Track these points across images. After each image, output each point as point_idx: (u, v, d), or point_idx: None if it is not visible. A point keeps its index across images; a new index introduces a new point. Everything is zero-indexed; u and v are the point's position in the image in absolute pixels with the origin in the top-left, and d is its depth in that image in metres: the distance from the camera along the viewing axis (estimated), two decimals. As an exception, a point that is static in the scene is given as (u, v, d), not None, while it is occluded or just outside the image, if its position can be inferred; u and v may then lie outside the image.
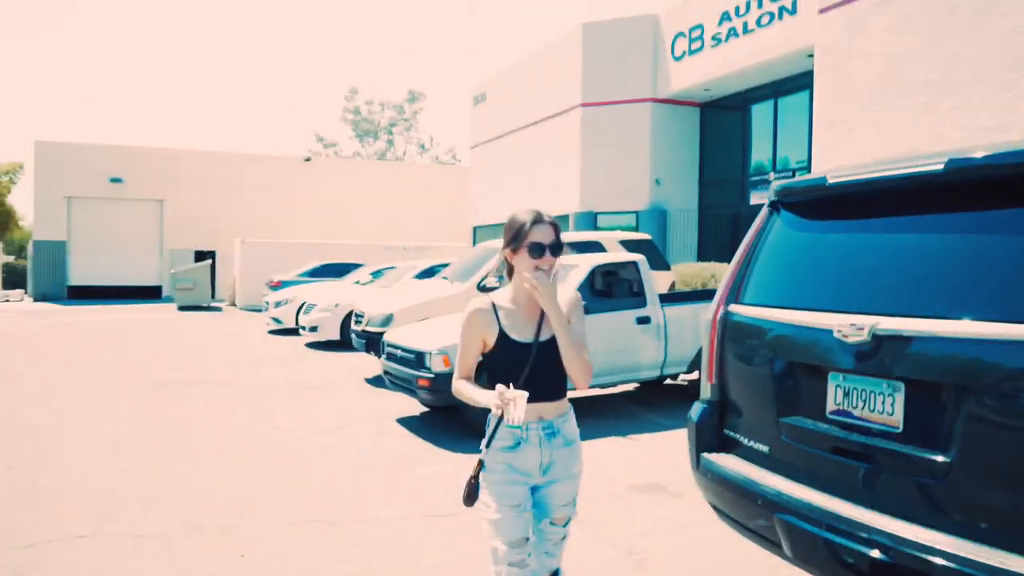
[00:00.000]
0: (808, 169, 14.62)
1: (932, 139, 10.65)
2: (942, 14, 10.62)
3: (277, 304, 17.08)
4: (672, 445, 6.59)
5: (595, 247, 10.74)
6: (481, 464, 2.54)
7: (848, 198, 2.87)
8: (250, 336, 16.65)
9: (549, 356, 2.51)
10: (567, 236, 10.54)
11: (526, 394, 2.29)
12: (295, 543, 4.37)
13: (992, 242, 2.32)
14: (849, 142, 12.09)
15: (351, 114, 55.55)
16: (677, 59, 18.36)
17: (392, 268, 16.54)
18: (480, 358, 2.64)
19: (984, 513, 2.14)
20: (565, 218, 19.72)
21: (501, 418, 2.42)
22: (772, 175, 17.01)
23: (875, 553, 2.25)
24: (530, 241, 2.47)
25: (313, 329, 14.12)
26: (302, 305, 15.43)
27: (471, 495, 2.53)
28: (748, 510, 2.85)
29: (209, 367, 11.57)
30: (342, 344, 13.79)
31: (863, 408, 2.50)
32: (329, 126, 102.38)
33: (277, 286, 20.06)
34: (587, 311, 2.53)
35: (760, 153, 18.02)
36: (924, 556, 2.13)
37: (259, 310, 22.93)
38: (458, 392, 2.60)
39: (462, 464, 6.06)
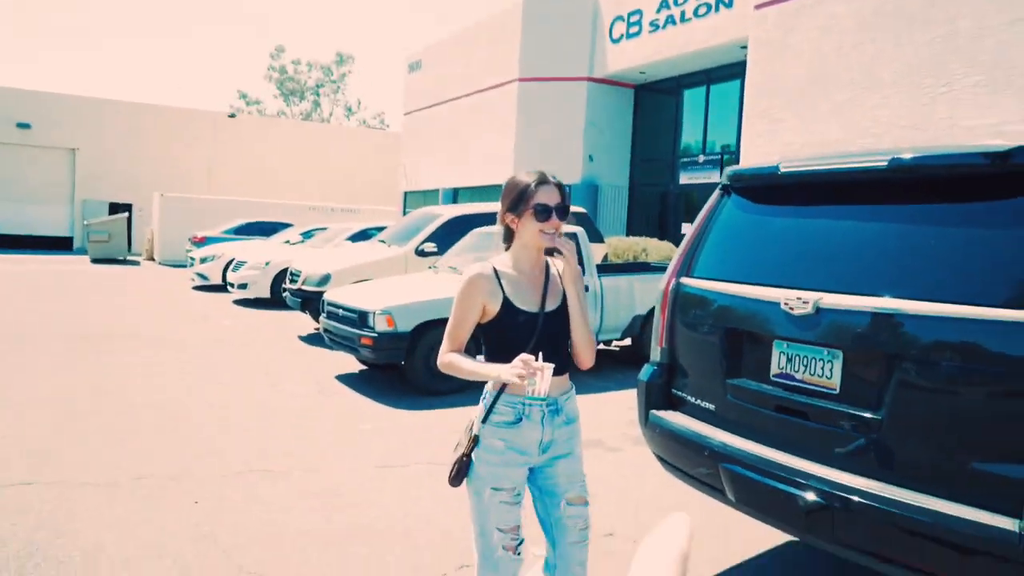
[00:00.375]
0: (736, 154, 15.17)
1: (855, 134, 11.27)
2: (868, 17, 11.20)
3: (204, 260, 16.72)
4: (607, 405, 6.91)
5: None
6: (475, 440, 2.33)
7: (796, 186, 3.16)
8: (174, 291, 16.25)
9: (555, 327, 2.35)
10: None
11: (552, 366, 2.13)
12: (247, 491, 4.45)
13: (922, 231, 2.63)
14: (777, 132, 12.64)
15: (276, 72, 54.00)
16: (615, 41, 18.66)
17: (324, 229, 16.44)
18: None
19: (908, 462, 2.47)
20: (498, 188, 19.86)
21: (500, 391, 2.31)
22: (701, 157, 17.58)
23: (811, 496, 2.56)
24: (536, 203, 2.29)
25: (243, 286, 13.91)
26: (230, 262, 15.18)
27: (460, 473, 2.33)
28: (694, 460, 3.15)
29: (136, 322, 11.30)
30: (272, 302, 13.68)
31: (804, 372, 2.80)
32: (253, 83, 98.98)
33: (201, 242, 19.63)
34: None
35: (690, 136, 18.55)
36: (854, 498, 2.45)
37: (180, 265, 22.36)
38: (450, 366, 2.34)
39: (404, 420, 6.23)
